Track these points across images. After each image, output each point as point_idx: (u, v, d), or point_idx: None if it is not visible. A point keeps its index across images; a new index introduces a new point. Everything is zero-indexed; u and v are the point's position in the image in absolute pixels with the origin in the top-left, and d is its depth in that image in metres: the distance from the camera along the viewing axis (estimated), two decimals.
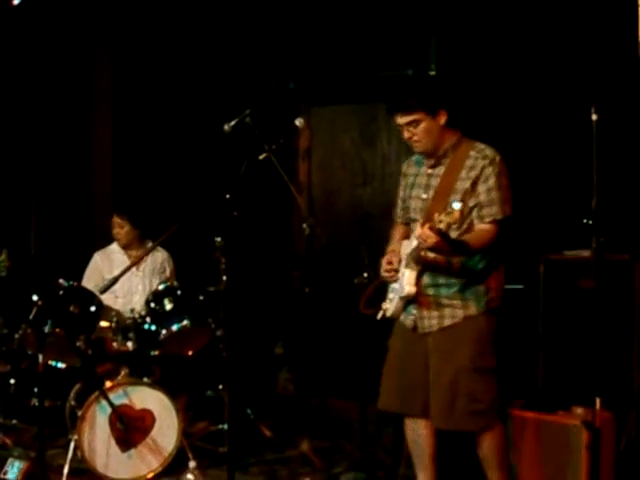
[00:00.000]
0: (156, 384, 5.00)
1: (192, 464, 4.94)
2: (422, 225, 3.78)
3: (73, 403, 5.09)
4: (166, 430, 4.95)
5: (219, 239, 4.98)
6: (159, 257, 5.84)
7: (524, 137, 5.71)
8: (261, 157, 4.45)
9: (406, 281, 3.95)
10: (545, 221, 5.58)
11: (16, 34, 6.36)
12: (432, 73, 6.46)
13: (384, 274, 4.12)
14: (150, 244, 5.76)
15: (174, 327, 5.07)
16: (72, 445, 4.84)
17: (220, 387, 5.35)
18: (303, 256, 6.42)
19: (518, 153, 5.89)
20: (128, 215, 5.71)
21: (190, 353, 5.29)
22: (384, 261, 4.13)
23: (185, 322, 5.08)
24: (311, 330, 5.72)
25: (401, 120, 4.03)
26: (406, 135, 4.05)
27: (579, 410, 4.34)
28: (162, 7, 6.67)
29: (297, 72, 6.78)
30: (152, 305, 5.14)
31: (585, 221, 3.86)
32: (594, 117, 3.73)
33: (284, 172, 4.97)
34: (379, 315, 4.17)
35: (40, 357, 4.73)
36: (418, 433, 4.22)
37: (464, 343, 3.98)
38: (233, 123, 4.75)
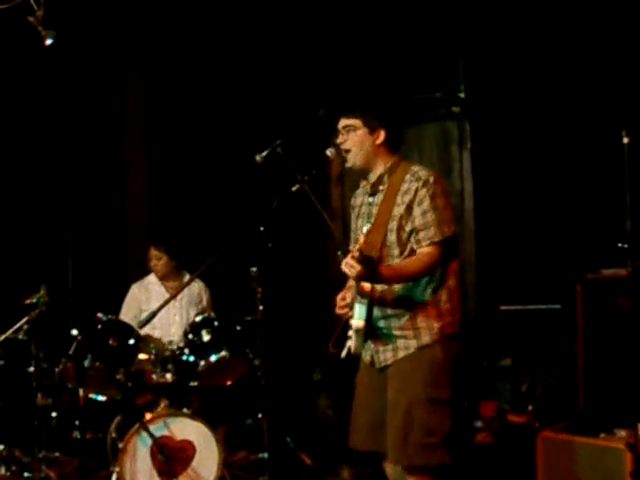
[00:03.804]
0: (196, 415, 5.00)
1: None
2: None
3: (114, 435, 5.11)
4: (206, 460, 4.94)
5: (254, 269, 5.00)
6: (195, 288, 5.87)
7: (557, 159, 5.69)
8: (294, 189, 4.42)
9: (356, 315, 3.80)
10: (581, 240, 5.55)
11: (48, 65, 6.43)
12: (461, 95, 6.46)
13: (338, 311, 3.98)
14: (187, 274, 5.82)
15: (212, 358, 5.08)
16: (114, 477, 4.86)
17: (259, 416, 5.31)
18: (338, 282, 6.41)
19: (552, 174, 5.90)
20: (165, 246, 5.76)
21: (229, 383, 5.30)
22: (338, 298, 3.99)
23: (223, 353, 5.09)
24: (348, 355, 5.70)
25: (340, 123, 3.96)
26: (339, 140, 3.97)
27: (622, 432, 4.28)
28: (193, 38, 6.74)
29: (326, 98, 6.81)
30: (190, 336, 5.16)
31: (620, 245, 3.81)
32: (625, 140, 3.71)
33: (317, 198, 4.95)
34: (343, 353, 4.02)
35: (81, 391, 4.77)
36: (396, 470, 3.97)
37: (418, 374, 3.79)
38: (264, 154, 4.73)
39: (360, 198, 4.14)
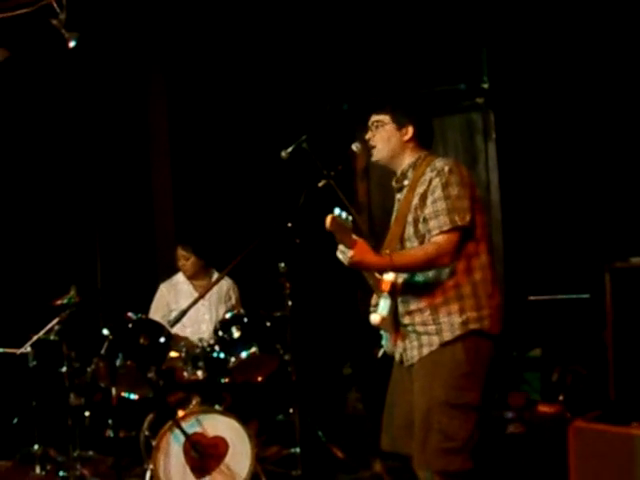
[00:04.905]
0: (227, 411, 5.02)
1: None
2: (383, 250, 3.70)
3: (147, 433, 5.13)
4: (239, 456, 4.96)
5: (282, 265, 5.01)
6: (224, 285, 5.90)
7: (583, 147, 5.67)
8: (320, 184, 4.42)
9: (378, 310, 3.78)
10: (609, 229, 5.53)
11: (72, 68, 6.48)
12: (485, 86, 6.45)
13: (372, 309, 3.92)
14: (215, 273, 5.85)
15: (243, 355, 5.11)
16: (148, 474, 4.89)
17: (290, 411, 5.32)
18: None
19: (578, 163, 5.87)
20: (192, 246, 5.79)
21: (260, 379, 5.31)
22: (373, 299, 3.97)
23: (253, 349, 5.11)
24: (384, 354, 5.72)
25: (370, 119, 3.95)
26: (367, 135, 3.95)
27: None
28: (216, 38, 6.76)
29: (350, 92, 6.81)
30: (220, 334, 5.18)
31: None
32: None
33: (343, 193, 4.94)
34: (379, 353, 4.03)
35: (113, 390, 4.81)
36: (425, 473, 3.80)
37: (439, 374, 3.69)
38: (290, 149, 4.74)
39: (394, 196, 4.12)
